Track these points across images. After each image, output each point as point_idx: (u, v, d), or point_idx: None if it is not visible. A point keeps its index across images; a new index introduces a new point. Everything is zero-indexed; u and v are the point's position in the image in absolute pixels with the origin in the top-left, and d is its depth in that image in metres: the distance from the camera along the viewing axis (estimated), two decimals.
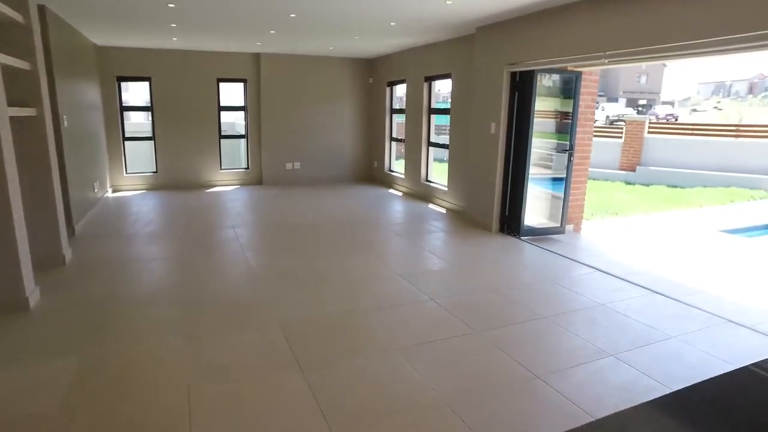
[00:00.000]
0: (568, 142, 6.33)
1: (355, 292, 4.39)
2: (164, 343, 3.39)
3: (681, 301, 4.34)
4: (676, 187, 11.82)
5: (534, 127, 6.12)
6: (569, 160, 6.35)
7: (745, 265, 5.80)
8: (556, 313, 3.97)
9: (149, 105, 9.40)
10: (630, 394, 2.83)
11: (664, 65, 59.41)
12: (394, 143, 10.38)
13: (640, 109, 46.16)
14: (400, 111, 9.92)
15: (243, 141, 10.29)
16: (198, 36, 7.74)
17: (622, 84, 56.74)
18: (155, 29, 7.12)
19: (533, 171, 6.35)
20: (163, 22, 6.50)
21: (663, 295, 4.48)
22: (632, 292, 4.54)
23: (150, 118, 9.44)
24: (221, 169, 10.02)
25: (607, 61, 4.65)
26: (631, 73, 57.73)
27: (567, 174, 6.41)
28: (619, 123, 26.44)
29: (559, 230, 6.55)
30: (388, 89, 10.01)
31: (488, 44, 6.44)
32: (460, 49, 7.44)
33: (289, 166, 10.36)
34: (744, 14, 3.55)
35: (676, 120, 36.32)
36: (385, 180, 10.40)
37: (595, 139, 14.47)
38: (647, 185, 12.15)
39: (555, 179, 6.64)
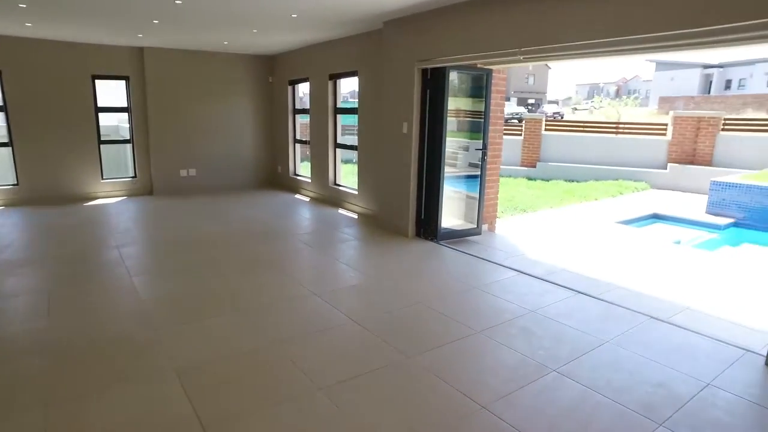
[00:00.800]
0: (481, 141, 6.20)
1: (265, 321, 3.82)
2: (21, 416, 2.60)
3: (604, 300, 4.30)
4: (572, 181, 12.44)
5: (447, 126, 5.91)
6: (483, 159, 6.23)
7: (645, 256, 6.03)
8: (489, 326, 3.71)
9: (1, 104, 7.93)
10: (581, 414, 2.60)
11: (548, 67, 64.03)
12: (298, 145, 9.79)
13: (530, 107, 49.17)
14: (304, 111, 9.36)
15: (128, 146, 9.13)
16: (59, 23, 6.61)
17: (512, 84, 60.30)
18: None
19: (448, 171, 6.14)
20: (7, 0, 5.42)
21: (587, 294, 4.42)
22: (558, 294, 4.43)
23: (4, 121, 7.98)
24: (103, 178, 8.80)
25: (522, 58, 4.51)
26: (520, 74, 61.52)
27: (481, 173, 6.28)
28: (513, 121, 27.85)
29: (476, 231, 6.42)
30: (290, 88, 9.40)
31: (397, 40, 6.12)
32: (367, 46, 7.06)
33: (183, 173, 9.38)
34: (659, 15, 3.51)
35: (562, 118, 39.03)
36: (290, 185, 9.78)
37: None
38: (547, 180, 12.67)
39: (469, 179, 6.49)
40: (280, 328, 3.67)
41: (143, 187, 9.17)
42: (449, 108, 5.86)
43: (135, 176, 9.12)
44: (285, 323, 3.75)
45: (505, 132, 14.68)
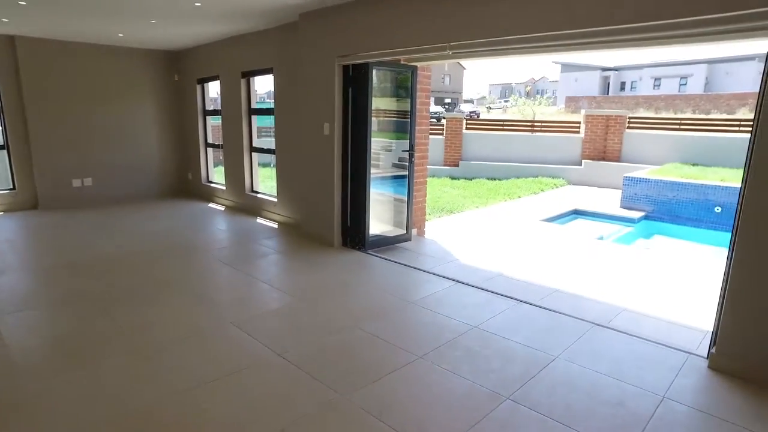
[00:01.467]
0: (408, 142, 5.87)
1: (169, 363, 3.19)
2: None
3: (546, 308, 4.10)
4: (495, 179, 12.56)
5: (372, 126, 5.52)
6: (410, 161, 5.90)
7: (573, 254, 6.00)
8: (431, 348, 3.35)
9: None
10: None
11: (463, 68, 65.93)
12: (210, 150, 8.98)
13: (447, 107, 50.29)
14: (215, 113, 8.59)
15: (4, 153, 7.88)
16: None
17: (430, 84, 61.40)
18: None
19: (374, 173, 5.75)
20: None
21: (528, 303, 4.20)
22: (498, 304, 4.18)
23: None
24: None
25: (451, 53, 4.20)
26: (437, 74, 62.87)
27: (409, 176, 5.95)
28: (432, 120, 28.11)
29: (406, 237, 6.08)
30: (198, 87, 8.58)
31: (315, 34, 5.63)
32: (282, 40, 6.50)
33: (77, 183, 8.26)
34: (601, 9, 3.33)
35: (478, 116, 40.22)
36: (203, 193, 8.96)
37: None
38: (470, 179, 12.70)
39: (396, 181, 6.15)
40: (187, 371, 3.06)
41: (26, 201, 7.96)
42: (374, 107, 5.48)
43: (14, 188, 7.89)
44: (193, 365, 3.15)
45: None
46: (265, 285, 4.67)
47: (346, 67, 5.40)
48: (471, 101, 60.44)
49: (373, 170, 5.67)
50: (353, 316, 3.88)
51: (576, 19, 3.42)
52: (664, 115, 26.87)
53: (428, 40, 4.37)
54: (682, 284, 5.02)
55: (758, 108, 2.91)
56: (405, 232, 6.04)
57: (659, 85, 44.43)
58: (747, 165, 2.97)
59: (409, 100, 5.79)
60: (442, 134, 14.13)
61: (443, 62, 5.46)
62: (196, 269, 5.12)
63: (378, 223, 6.02)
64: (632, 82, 47.92)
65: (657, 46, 3.63)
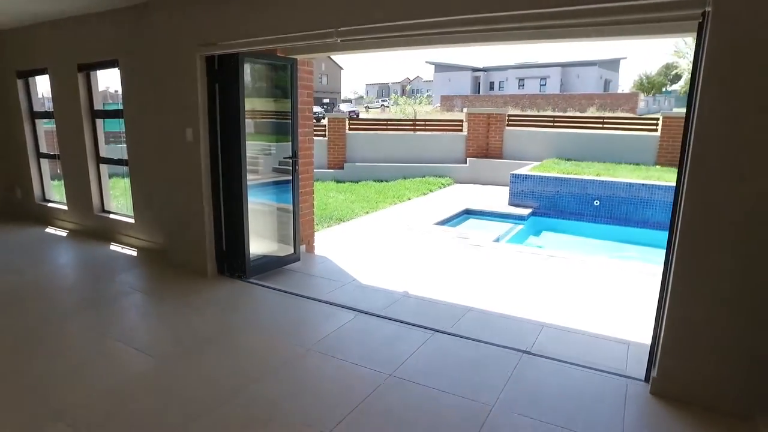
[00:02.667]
0: (290, 147, 5.05)
1: None
2: None
3: (464, 337, 3.57)
4: (382, 180, 12.13)
5: (248, 129, 4.63)
6: (294, 170, 5.09)
7: (475, 260, 5.66)
8: (342, 416, 2.61)
9: None
10: None
11: (341, 68, 65.76)
12: (45, 161, 7.32)
13: (326, 107, 49.63)
14: (47, 115, 6.99)
15: None
16: None
17: None
18: None
19: (252, 182, 4.86)
20: None
21: (443, 332, 3.64)
22: (411, 337, 3.56)
23: None
24: None
25: (339, 40, 3.48)
26: (314, 74, 61.89)
27: (293, 186, 5.14)
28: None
29: (293, 258, 5.26)
30: (20, 83, 6.90)
31: (169, 17, 4.57)
32: (130, 24, 5.27)
33: None
34: None
35: (357, 116, 40.13)
36: (38, 215, 7.26)
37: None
38: (357, 182, 12.14)
39: (279, 188, 5.30)
40: None
41: None
42: (249, 108, 4.59)
43: None
44: None
45: None
46: (119, 343, 3.52)
47: (210, 59, 4.43)
48: (349, 101, 60.48)
49: (251, 176, 4.78)
50: (237, 379, 3.01)
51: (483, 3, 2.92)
52: (529, 112, 28.75)
53: (312, 25, 3.61)
54: (588, 288, 4.86)
55: (692, 110, 2.61)
56: (293, 251, 5.22)
57: (523, 86, 48.01)
58: (684, 168, 2.66)
59: (289, 99, 4.98)
60: (324, 135, 13.40)
61: (327, 56, 4.77)
62: (20, 328, 3.80)
63: (261, 241, 5.14)
64: (500, 82, 51.23)
65: (563, 39, 3.30)
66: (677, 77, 53.67)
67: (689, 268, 2.64)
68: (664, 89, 51.34)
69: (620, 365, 3.24)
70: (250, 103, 4.69)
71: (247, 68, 4.55)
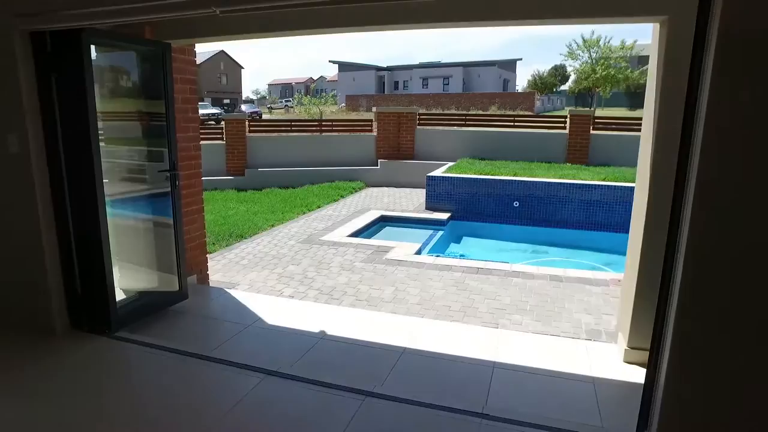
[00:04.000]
0: (166, 157, 3.96)
1: None
2: None
3: (406, 401, 2.77)
4: (288, 187, 11.10)
5: (109, 134, 3.50)
6: (174, 186, 4.01)
7: (402, 283, 4.94)
8: None
9: None
10: None
11: (242, 67, 62.90)
12: None
13: (226, 108, 47.02)
14: None
15: None
16: None
17: (204, 84, 57.08)
18: None
19: (117, 201, 3.73)
20: None
21: (379, 396, 2.81)
22: (339, 409, 2.70)
23: None
24: None
25: (218, 11, 2.51)
26: (211, 73, 58.62)
27: (173, 206, 4.04)
28: (210, 122, 25.28)
29: (180, 295, 4.16)
30: None
31: None
32: None
33: None
34: None
35: (260, 117, 38.34)
36: None
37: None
38: (260, 189, 11.00)
39: (156, 213, 4.19)
40: None
41: None
42: (107, 108, 3.46)
43: None
44: None
45: (202, 136, 12.41)
46: None
47: (38, 38, 3.23)
48: (251, 101, 57.99)
49: (116, 194, 3.65)
50: None
51: None
52: (435, 111, 28.91)
53: None
54: (526, 306, 4.31)
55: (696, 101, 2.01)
56: (177, 288, 4.12)
57: (427, 85, 48.75)
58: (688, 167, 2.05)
59: (162, 97, 3.88)
60: (222, 139, 12.07)
61: (209, 43, 3.79)
62: None
63: (134, 276, 4.01)
64: (404, 82, 51.66)
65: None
66: (565, 78, 57.55)
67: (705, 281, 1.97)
68: (555, 89, 54.71)
69: (593, 418, 2.63)
70: (109, 102, 3.56)
71: (103, 56, 3.42)
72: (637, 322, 3.21)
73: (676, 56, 2.75)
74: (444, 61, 52.92)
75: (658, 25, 3.02)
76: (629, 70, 35.60)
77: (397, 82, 52.65)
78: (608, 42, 34.18)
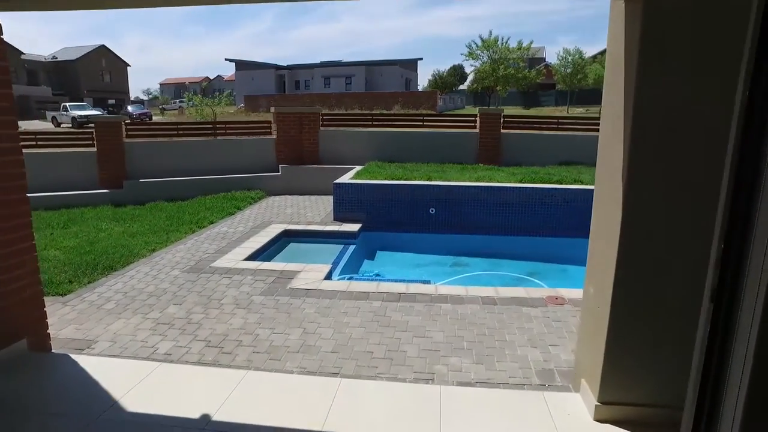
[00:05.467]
0: None
1: None
2: None
3: None
4: (176, 200, 9.64)
5: None
6: None
7: (311, 326, 4.03)
8: None
9: None
10: None
11: (128, 64, 57.84)
12: None
13: (110, 109, 42.75)
14: None
15: None
16: None
17: (84, 83, 51.76)
18: None
19: None
20: None
21: None
22: None
23: None
24: None
25: None
26: (90, 70, 53.21)
27: None
28: (90, 126, 22.33)
29: None
30: None
31: None
32: None
33: None
34: None
35: (150, 119, 35.21)
36: None
37: (55, 150, 10.50)
38: (142, 204, 9.45)
39: None
40: None
41: None
42: None
43: None
44: None
45: (69, 143, 10.46)
46: None
47: None
48: (140, 102, 53.41)
49: None
50: None
51: None
52: (337, 111, 28.09)
53: None
54: (463, 343, 3.59)
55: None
56: None
57: (329, 85, 47.70)
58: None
59: None
60: (93, 146, 10.28)
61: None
62: None
63: None
64: (306, 81, 50.18)
65: None
66: (464, 78, 59.43)
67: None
68: (454, 88, 56.28)
69: None
70: None
71: None
72: (613, 368, 2.58)
73: (661, 36, 2.12)
74: (346, 60, 52.29)
75: (622, 3, 2.39)
76: (527, 71, 37.24)
77: (298, 82, 51.03)
78: (506, 42, 35.51)
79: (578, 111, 39.01)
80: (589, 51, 41.79)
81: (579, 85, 41.21)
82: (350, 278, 5.86)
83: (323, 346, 3.69)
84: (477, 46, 35.43)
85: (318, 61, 52.20)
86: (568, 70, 39.62)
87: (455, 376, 3.27)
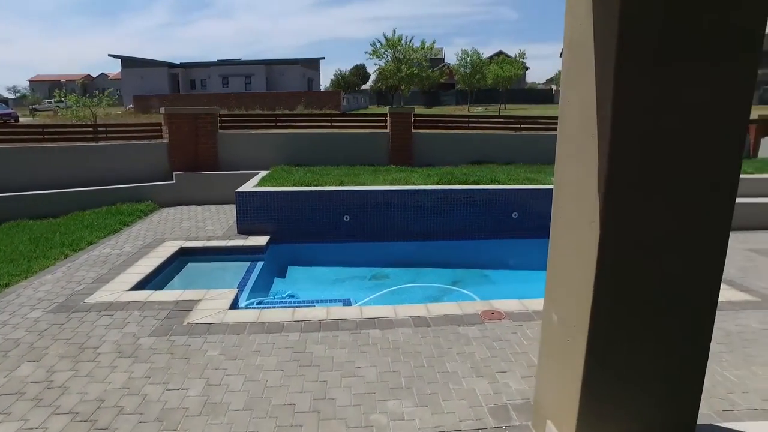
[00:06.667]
0: None
1: None
2: None
3: None
4: (46, 218, 8.17)
5: None
6: None
7: (215, 379, 3.29)
8: None
9: None
10: None
11: None
12: None
13: None
14: None
15: None
16: None
17: None
18: None
19: None
20: None
21: None
22: None
23: None
24: None
25: None
26: None
27: None
28: None
29: None
30: None
31: None
32: None
33: None
34: None
35: (17, 120, 31.42)
36: None
37: None
38: None
39: None
40: None
41: None
42: None
43: None
44: None
45: None
46: None
47: None
48: (4, 101, 47.14)
49: None
50: None
51: None
52: (237, 112, 26.58)
53: None
54: (401, 380, 3.05)
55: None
56: None
57: (227, 84, 45.27)
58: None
59: None
60: None
61: None
62: None
63: None
64: (202, 81, 47.25)
65: None
66: (366, 77, 59.56)
67: None
68: (357, 88, 56.14)
69: None
70: None
71: None
72: (590, 412, 2.17)
73: (641, 10, 1.71)
74: (245, 58, 49.99)
75: None
76: (430, 70, 37.81)
77: (193, 81, 47.91)
78: (410, 42, 35.76)
79: (478, 110, 40.46)
80: (486, 53, 43.38)
81: (478, 85, 42.78)
82: (260, 303, 5.12)
83: (233, 403, 2.98)
84: (381, 44, 35.35)
85: (215, 60, 49.45)
86: (468, 71, 40.95)
87: (398, 428, 2.73)
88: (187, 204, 9.35)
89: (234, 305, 4.56)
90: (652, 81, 1.84)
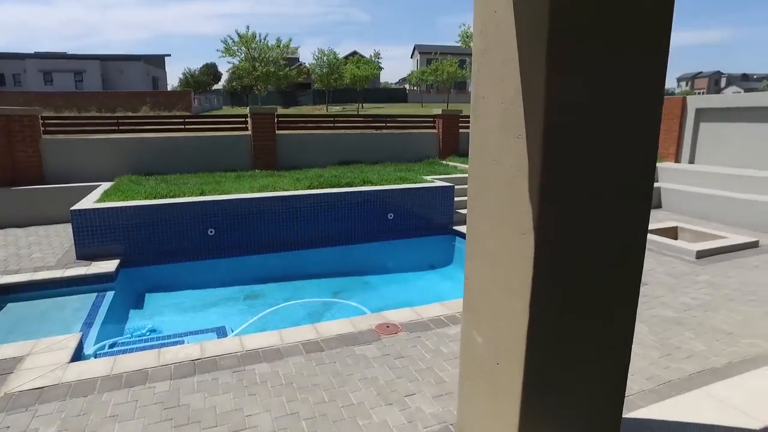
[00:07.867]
0: None
1: None
2: None
3: None
4: None
5: None
6: None
7: None
8: None
9: None
10: None
11: None
12: None
13: None
14: None
15: None
16: None
17: None
18: None
19: None
20: None
21: None
22: None
23: None
24: None
25: None
26: None
27: None
28: None
29: None
30: None
31: None
32: None
33: None
34: None
35: None
36: None
37: None
38: None
39: None
40: None
41: None
42: None
43: None
44: None
45: None
46: None
47: None
48: None
49: None
50: None
51: None
52: (67, 114, 23.16)
53: None
54: (304, 427, 2.62)
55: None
56: None
57: (51, 81, 39.29)
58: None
59: None
60: None
61: None
62: None
63: None
64: (15, 75, 40.38)
65: None
66: (218, 77, 56.40)
67: None
68: (209, 87, 52.85)
69: None
70: None
71: None
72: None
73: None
74: (73, 52, 43.84)
75: None
76: (288, 69, 36.66)
77: (3, 75, 40.80)
78: (265, 39, 34.25)
79: (336, 109, 40.47)
80: (340, 53, 43.51)
81: (335, 85, 42.77)
82: (114, 346, 4.22)
83: None
84: (234, 41, 33.41)
85: (32, 51, 42.63)
86: (325, 70, 40.69)
87: None
88: (2, 227, 7.65)
89: (77, 355, 3.65)
90: (587, 78, 1.64)
